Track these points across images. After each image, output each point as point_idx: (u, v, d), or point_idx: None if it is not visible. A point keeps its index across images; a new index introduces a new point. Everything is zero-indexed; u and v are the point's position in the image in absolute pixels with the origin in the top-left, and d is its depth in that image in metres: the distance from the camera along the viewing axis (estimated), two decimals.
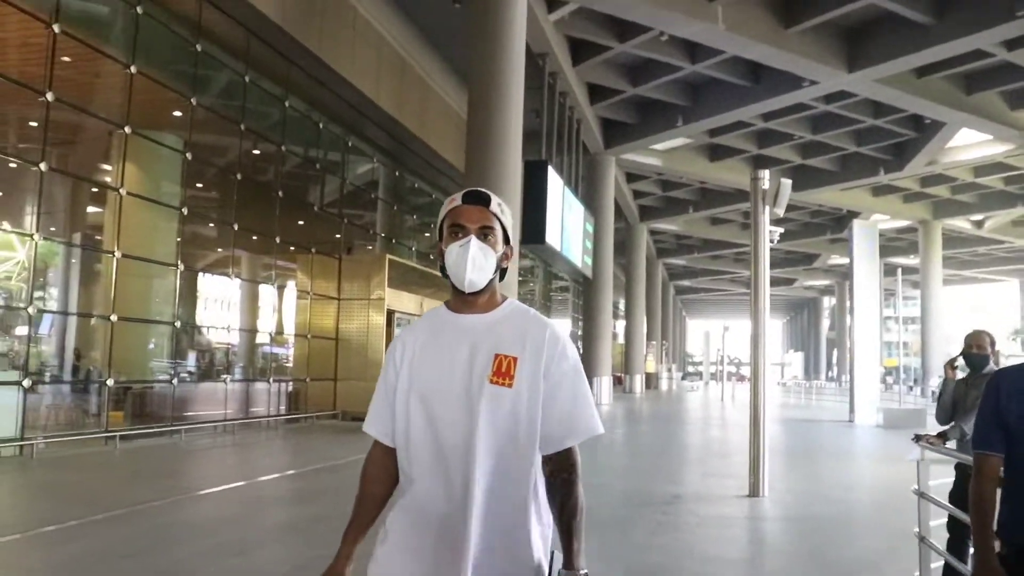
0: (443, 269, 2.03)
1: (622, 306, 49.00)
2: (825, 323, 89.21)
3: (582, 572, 1.89)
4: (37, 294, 12.66)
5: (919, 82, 24.33)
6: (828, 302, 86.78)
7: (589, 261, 26.72)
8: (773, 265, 60.73)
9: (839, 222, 44.84)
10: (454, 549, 1.88)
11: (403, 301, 22.30)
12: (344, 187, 20.91)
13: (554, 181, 20.70)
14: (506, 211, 2.07)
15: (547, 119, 22.02)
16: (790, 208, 42.45)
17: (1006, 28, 19.56)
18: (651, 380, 47.54)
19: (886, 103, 25.87)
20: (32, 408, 11.82)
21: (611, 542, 6.65)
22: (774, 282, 72.20)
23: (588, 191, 29.84)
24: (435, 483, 1.95)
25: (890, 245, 50.67)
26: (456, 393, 1.95)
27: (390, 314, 20.62)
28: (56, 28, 11.50)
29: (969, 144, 32.04)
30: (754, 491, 9.61)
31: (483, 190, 2.05)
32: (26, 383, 11.28)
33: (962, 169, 35.21)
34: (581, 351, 32.16)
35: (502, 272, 2.09)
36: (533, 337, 2.00)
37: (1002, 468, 2.58)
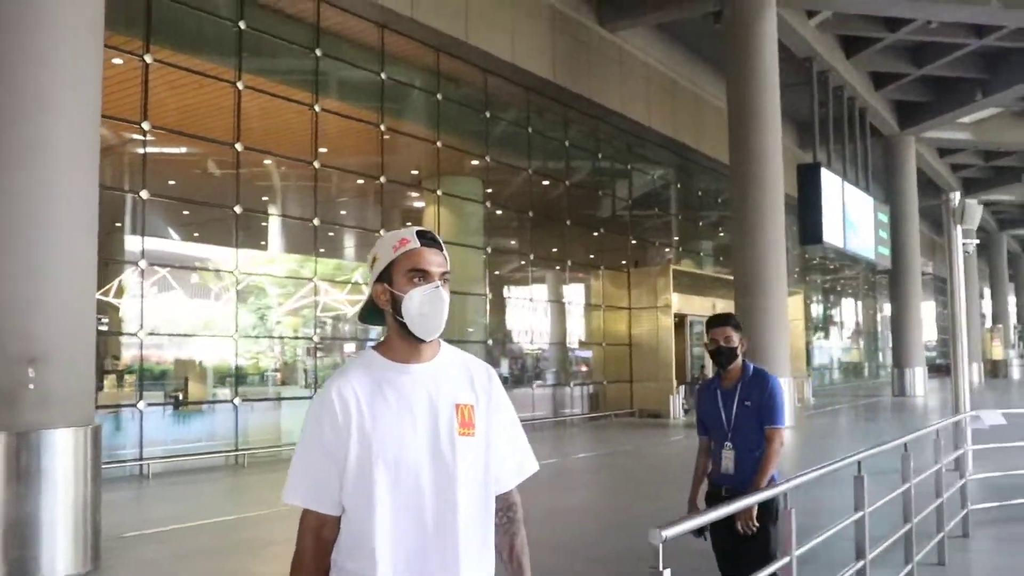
0: (394, 312, 2.04)
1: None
2: None
3: None
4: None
5: None
6: None
7: (885, 251, 27.79)
8: None
9: None
10: None
11: (693, 305, 25.26)
12: (626, 207, 24.30)
13: (830, 181, 22.54)
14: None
15: (819, 118, 23.80)
16: None
17: None
18: (997, 367, 45.70)
19: None
20: None
21: None
22: None
23: (887, 176, 30.70)
24: (407, 548, 1.94)
25: None
26: (426, 453, 1.96)
27: (682, 318, 23.75)
28: (383, 127, 16.13)
29: None
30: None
31: (433, 232, 2.08)
32: None
33: None
34: (891, 342, 32.88)
35: None
36: (479, 380, 2.09)
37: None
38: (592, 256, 22.56)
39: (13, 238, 6.48)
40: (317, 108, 14.87)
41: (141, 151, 12.54)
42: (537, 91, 19.75)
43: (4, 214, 6.45)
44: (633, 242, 24.19)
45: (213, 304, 14.83)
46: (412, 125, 17.43)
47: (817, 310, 39.50)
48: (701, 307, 25.99)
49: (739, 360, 4.46)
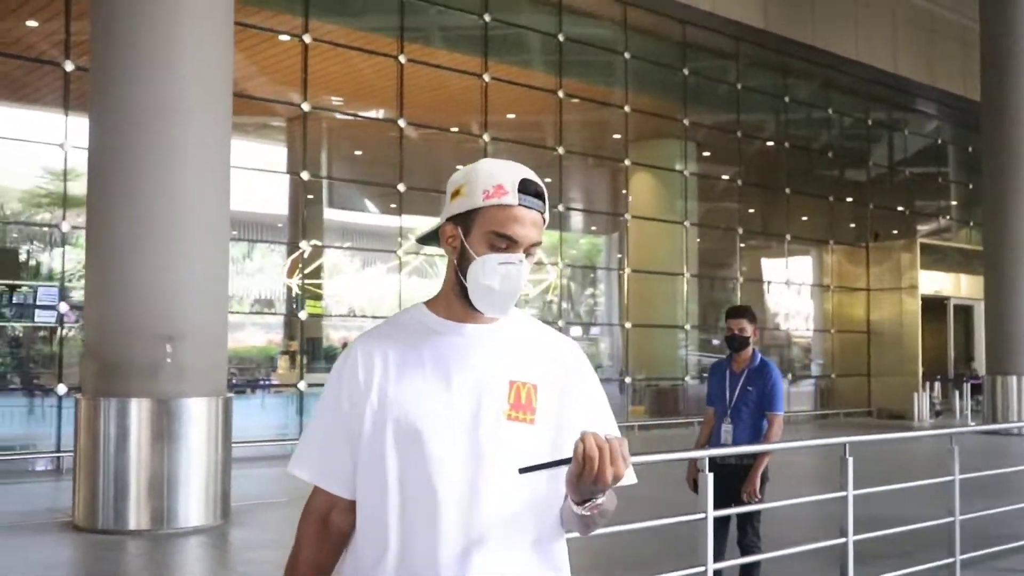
0: (457, 265, 1.97)
1: None
2: None
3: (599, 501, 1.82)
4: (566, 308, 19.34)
5: None
6: None
7: None
8: None
9: None
10: None
11: (959, 286, 25.28)
12: (865, 171, 24.76)
13: None
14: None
15: None
16: None
17: None
18: None
19: None
20: None
21: None
22: None
23: None
24: (423, 547, 1.87)
25: None
26: (460, 434, 1.88)
27: (939, 301, 24.02)
28: (561, 93, 17.94)
29: None
30: None
31: (538, 182, 1.95)
32: None
33: None
34: None
35: None
36: (554, 357, 2.01)
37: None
38: (819, 229, 23.31)
39: (154, 233, 8.84)
40: (486, 77, 16.89)
41: (302, 133, 15.10)
42: (747, 41, 20.78)
43: (146, 214, 8.83)
44: (891, 212, 24.66)
45: (378, 285, 17.25)
46: (595, 88, 19.14)
47: None
48: (970, 288, 25.91)
49: (750, 348, 6.09)
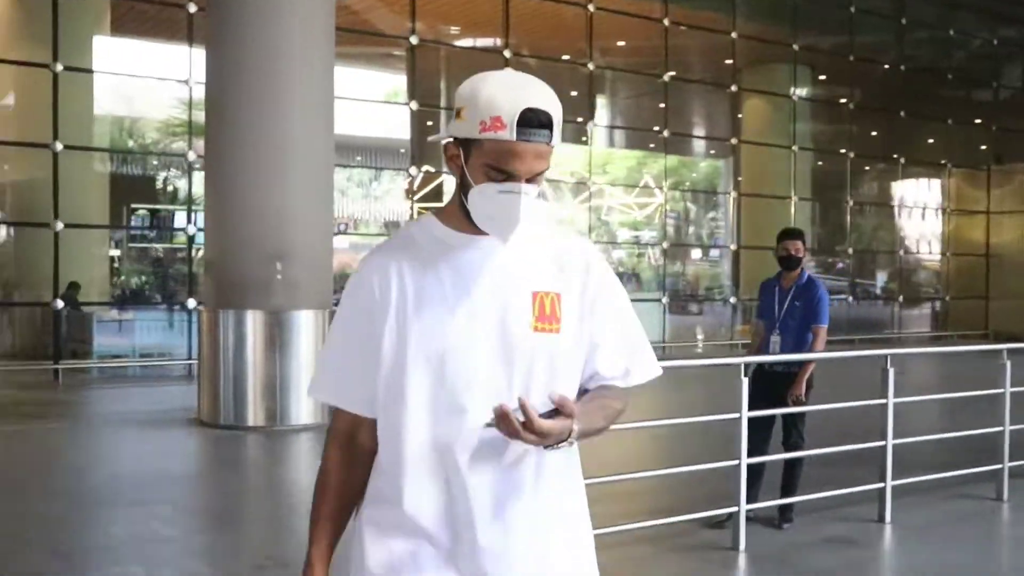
0: (460, 185, 1.89)
1: None
2: None
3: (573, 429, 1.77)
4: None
5: None
6: None
7: None
8: None
9: None
10: (481, 553, 1.87)
11: None
12: (995, 92, 24.36)
13: None
14: (560, 119, 1.84)
15: None
16: None
17: None
18: None
19: None
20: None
21: None
22: None
23: None
24: (445, 472, 1.87)
25: None
26: (485, 350, 1.86)
27: None
28: (666, 22, 18.32)
29: None
30: None
31: (544, 109, 1.78)
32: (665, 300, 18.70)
33: None
34: None
35: None
36: (572, 263, 1.97)
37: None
38: (936, 152, 23.17)
39: (265, 162, 9.89)
40: (591, 8, 17.40)
41: (411, 64, 16.02)
42: None
43: (256, 145, 9.86)
44: (1017, 135, 24.20)
45: None
46: (702, 15, 19.40)
47: None
48: None
49: (800, 267, 6.68)
